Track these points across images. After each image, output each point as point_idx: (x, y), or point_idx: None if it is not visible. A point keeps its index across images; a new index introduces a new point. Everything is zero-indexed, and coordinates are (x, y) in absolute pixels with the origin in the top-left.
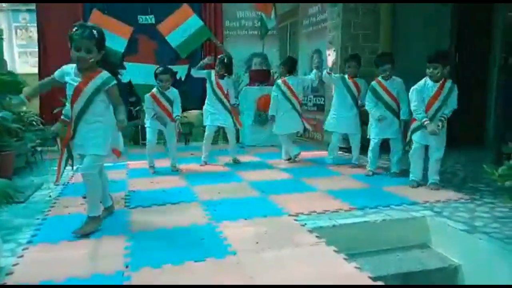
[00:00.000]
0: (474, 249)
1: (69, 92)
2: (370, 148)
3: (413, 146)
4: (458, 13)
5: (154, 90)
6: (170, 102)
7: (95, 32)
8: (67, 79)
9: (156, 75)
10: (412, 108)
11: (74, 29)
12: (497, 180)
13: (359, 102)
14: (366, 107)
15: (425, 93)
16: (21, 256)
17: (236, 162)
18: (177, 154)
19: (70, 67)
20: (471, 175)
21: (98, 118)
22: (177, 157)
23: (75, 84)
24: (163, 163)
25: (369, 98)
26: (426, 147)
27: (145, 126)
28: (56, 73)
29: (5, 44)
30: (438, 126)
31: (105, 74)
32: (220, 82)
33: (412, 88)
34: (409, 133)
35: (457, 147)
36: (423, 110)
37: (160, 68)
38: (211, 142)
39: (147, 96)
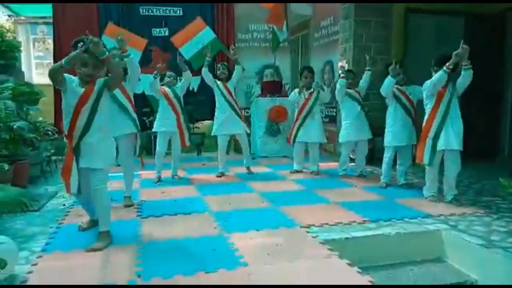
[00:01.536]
0: (491, 264)
1: (70, 102)
2: (385, 160)
3: (434, 159)
4: (471, 25)
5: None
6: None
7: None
8: (73, 86)
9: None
10: (433, 80)
11: (80, 46)
12: None
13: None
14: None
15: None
16: (35, 264)
17: (249, 171)
18: (179, 164)
19: (72, 78)
20: (487, 189)
21: (103, 128)
22: (178, 167)
23: (81, 91)
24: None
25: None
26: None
27: (155, 131)
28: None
29: (23, 56)
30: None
31: (101, 79)
32: (228, 86)
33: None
34: (429, 143)
35: (471, 160)
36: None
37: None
38: None
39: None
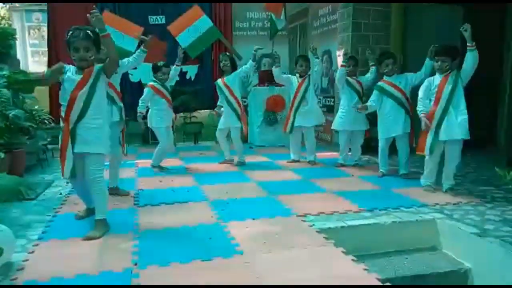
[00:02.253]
0: (485, 252)
1: (68, 88)
2: (379, 149)
3: (435, 149)
4: (471, 15)
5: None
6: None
7: (90, 32)
8: (69, 75)
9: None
10: (418, 103)
11: (70, 33)
12: (509, 183)
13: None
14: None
15: (432, 86)
16: (32, 252)
17: (242, 163)
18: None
19: (68, 68)
20: (482, 178)
21: (100, 114)
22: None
23: (77, 79)
24: (172, 162)
25: (374, 96)
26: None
27: (154, 126)
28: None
29: (18, 43)
30: None
31: (98, 65)
32: (227, 83)
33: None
34: (431, 133)
35: (468, 150)
36: (423, 104)
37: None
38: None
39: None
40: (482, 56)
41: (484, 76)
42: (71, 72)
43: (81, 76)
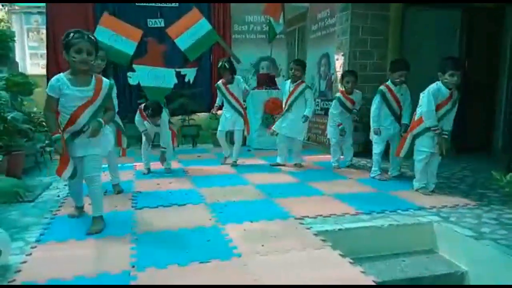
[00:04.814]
0: (481, 255)
1: (67, 103)
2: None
3: (422, 155)
4: (468, 20)
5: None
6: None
7: (92, 36)
8: (66, 91)
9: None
10: (425, 110)
11: (71, 35)
12: (505, 187)
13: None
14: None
15: (439, 99)
16: (29, 254)
17: (235, 165)
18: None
19: (58, 79)
20: (479, 181)
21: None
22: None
23: (81, 95)
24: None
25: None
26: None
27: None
28: (51, 92)
29: (16, 46)
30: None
31: (106, 81)
32: (230, 88)
33: (426, 90)
34: (409, 139)
35: (465, 154)
36: (434, 117)
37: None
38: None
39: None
40: (479, 62)
41: (481, 81)
42: (66, 86)
43: (85, 89)
